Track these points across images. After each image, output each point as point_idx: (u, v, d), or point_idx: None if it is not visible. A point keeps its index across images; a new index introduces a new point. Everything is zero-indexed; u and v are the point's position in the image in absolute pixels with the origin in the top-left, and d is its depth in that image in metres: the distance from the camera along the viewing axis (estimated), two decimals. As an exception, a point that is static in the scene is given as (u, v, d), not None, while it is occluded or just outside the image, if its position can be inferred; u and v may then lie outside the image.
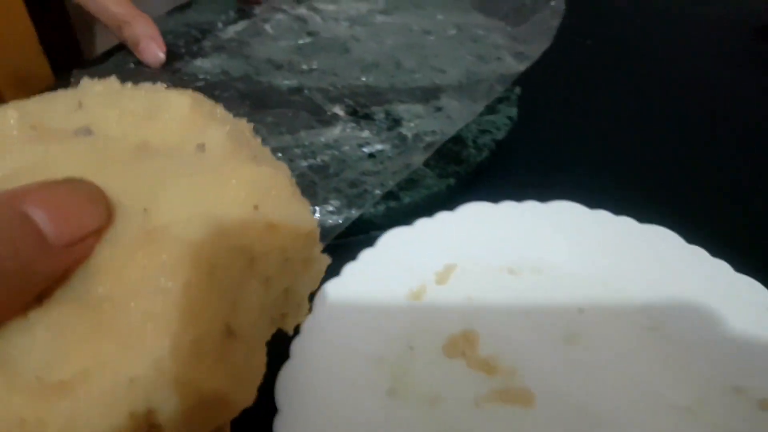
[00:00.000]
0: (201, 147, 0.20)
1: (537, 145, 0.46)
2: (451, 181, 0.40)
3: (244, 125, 0.23)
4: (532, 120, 0.46)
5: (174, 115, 0.21)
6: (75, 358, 0.16)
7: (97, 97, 0.22)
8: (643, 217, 0.36)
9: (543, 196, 0.37)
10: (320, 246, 0.22)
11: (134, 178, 0.19)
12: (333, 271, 0.34)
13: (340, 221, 0.37)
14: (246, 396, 0.18)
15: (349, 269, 0.34)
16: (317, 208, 0.37)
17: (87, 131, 0.20)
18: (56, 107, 0.21)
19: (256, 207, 0.19)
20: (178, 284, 0.16)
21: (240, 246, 0.18)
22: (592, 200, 0.37)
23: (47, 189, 0.16)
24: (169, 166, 0.19)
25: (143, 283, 0.16)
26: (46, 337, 0.16)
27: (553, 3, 0.53)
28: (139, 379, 0.15)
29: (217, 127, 0.21)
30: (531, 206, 0.38)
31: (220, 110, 0.23)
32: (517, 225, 0.37)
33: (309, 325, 0.31)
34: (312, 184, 0.39)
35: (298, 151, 0.41)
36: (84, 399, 0.15)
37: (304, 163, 0.40)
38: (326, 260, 0.22)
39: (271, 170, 0.20)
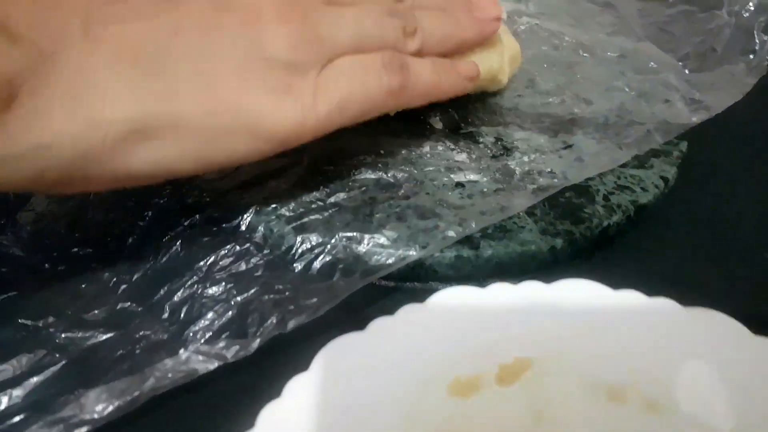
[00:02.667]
0: None
1: (692, 223, 0.33)
2: (559, 243, 0.28)
3: None
4: (692, 188, 0.34)
5: None
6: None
7: None
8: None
9: (683, 296, 0.25)
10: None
11: None
12: (358, 320, 0.24)
13: (391, 261, 0.27)
14: None
15: (379, 324, 0.24)
16: (366, 237, 0.28)
17: None
18: None
19: None
20: None
21: None
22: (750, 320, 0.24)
23: None
24: None
25: None
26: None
27: (752, 57, 0.40)
28: None
29: None
30: (666, 306, 0.26)
31: None
32: (638, 327, 0.25)
33: (308, 379, 0.22)
34: (369, 203, 0.29)
35: (368, 158, 0.32)
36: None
37: (369, 175, 0.31)
38: None
39: None
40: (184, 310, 0.26)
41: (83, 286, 0.27)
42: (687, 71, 0.39)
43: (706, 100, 0.36)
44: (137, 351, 0.25)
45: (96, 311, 0.26)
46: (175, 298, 0.26)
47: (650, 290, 0.26)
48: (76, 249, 0.29)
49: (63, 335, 0.25)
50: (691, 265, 0.30)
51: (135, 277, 0.27)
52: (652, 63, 0.39)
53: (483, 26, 0.32)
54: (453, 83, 0.30)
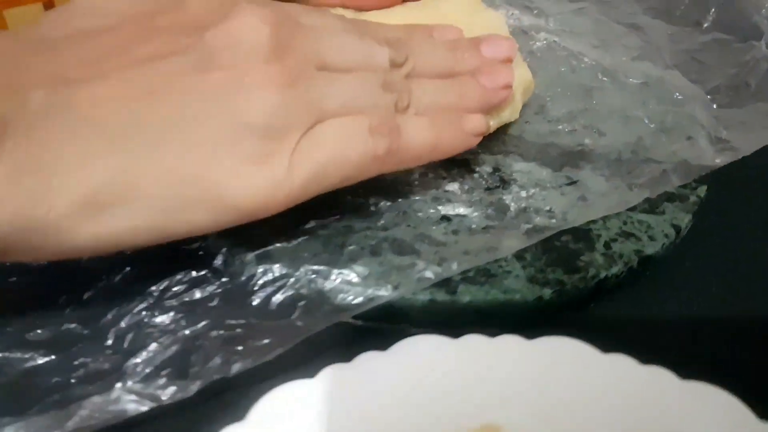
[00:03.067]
0: None
1: (703, 280, 0.30)
2: (547, 293, 0.26)
3: None
4: (708, 239, 0.31)
5: None
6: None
7: None
8: None
9: (683, 365, 0.22)
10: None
11: None
12: (311, 365, 0.21)
13: (358, 301, 0.25)
14: None
15: (332, 373, 0.22)
16: (333, 272, 0.25)
17: None
18: None
19: None
20: None
21: None
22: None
23: None
24: None
25: None
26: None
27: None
28: None
29: None
30: (660, 376, 0.23)
31: None
32: (626, 399, 0.23)
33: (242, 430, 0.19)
34: (343, 232, 0.27)
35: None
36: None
37: (348, 200, 0.28)
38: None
39: None
40: (128, 338, 0.24)
41: (30, 301, 0.26)
42: (715, 106, 0.35)
43: (734, 140, 0.33)
44: (72, 380, 0.23)
45: (39, 330, 0.25)
46: (122, 324, 0.24)
47: (646, 355, 0.23)
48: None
49: (1, 355, 0.24)
50: (697, 329, 0.27)
51: (85, 296, 0.26)
52: (677, 94, 0.36)
53: (490, 96, 0.28)
54: (454, 141, 0.27)
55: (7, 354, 0.24)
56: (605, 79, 0.37)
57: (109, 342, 0.24)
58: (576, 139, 0.33)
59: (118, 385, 0.22)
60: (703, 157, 0.32)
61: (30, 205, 0.19)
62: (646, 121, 0.34)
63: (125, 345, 0.24)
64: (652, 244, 0.28)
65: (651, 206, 0.30)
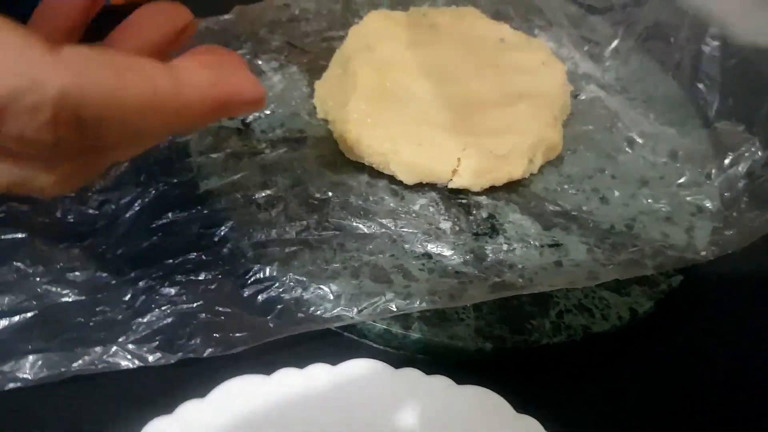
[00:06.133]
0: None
1: (645, 371, 0.32)
2: (488, 347, 0.29)
3: None
4: (667, 329, 0.33)
5: None
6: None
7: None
8: None
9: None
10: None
11: None
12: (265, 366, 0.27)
13: (326, 316, 0.29)
14: None
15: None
16: (312, 286, 0.30)
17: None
18: None
19: None
20: None
21: None
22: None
23: None
24: None
25: None
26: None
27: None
28: None
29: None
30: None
31: None
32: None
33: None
34: (334, 249, 0.31)
35: (358, 200, 0.33)
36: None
37: (348, 222, 0.32)
38: None
39: None
40: (141, 299, 0.30)
41: (77, 244, 0.32)
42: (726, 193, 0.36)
43: (721, 237, 0.34)
44: (90, 323, 0.29)
45: (78, 273, 0.31)
46: (140, 284, 0.30)
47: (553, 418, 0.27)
48: (84, 207, 0.33)
49: (44, 287, 0.30)
50: (614, 415, 0.30)
51: (119, 251, 0.31)
52: (686, 172, 0.37)
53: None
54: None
55: (48, 287, 0.30)
56: (629, 150, 0.38)
57: (126, 297, 0.30)
58: (578, 201, 0.35)
59: (121, 338, 0.28)
60: (690, 248, 0.33)
61: None
62: (651, 201, 0.36)
63: (136, 304, 0.29)
64: (601, 324, 0.31)
65: (618, 284, 0.32)
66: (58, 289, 0.30)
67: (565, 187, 0.36)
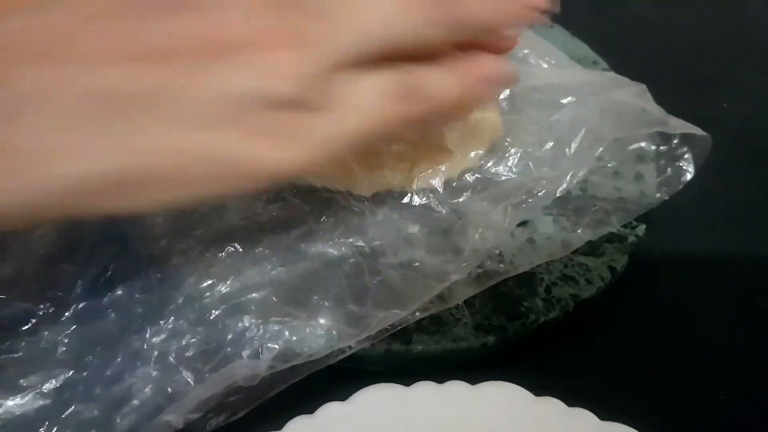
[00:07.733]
0: None
1: (635, 323, 0.33)
2: (491, 340, 0.29)
3: None
4: (643, 281, 0.34)
5: None
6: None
7: None
8: None
9: (608, 408, 0.26)
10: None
11: None
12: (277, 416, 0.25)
13: (317, 358, 0.27)
14: None
15: (298, 425, 0.25)
16: (298, 324, 0.28)
17: None
18: None
19: None
20: None
21: None
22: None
23: None
24: None
25: None
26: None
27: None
28: None
29: None
30: (582, 418, 0.26)
31: None
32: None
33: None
34: (311, 276, 0.29)
35: (315, 225, 0.32)
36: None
37: (315, 248, 0.31)
38: None
39: None
40: (113, 388, 0.27)
41: (25, 337, 0.28)
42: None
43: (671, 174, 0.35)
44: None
45: (33, 376, 0.27)
46: (108, 373, 0.27)
47: (575, 396, 0.26)
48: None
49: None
50: (625, 372, 0.30)
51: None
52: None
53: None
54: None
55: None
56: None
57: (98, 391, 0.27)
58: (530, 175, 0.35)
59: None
60: (644, 195, 0.34)
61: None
62: (596, 158, 0.36)
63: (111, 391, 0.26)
64: (588, 288, 0.31)
65: (592, 248, 0.32)
66: (16, 401, 0.26)
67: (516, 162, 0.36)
